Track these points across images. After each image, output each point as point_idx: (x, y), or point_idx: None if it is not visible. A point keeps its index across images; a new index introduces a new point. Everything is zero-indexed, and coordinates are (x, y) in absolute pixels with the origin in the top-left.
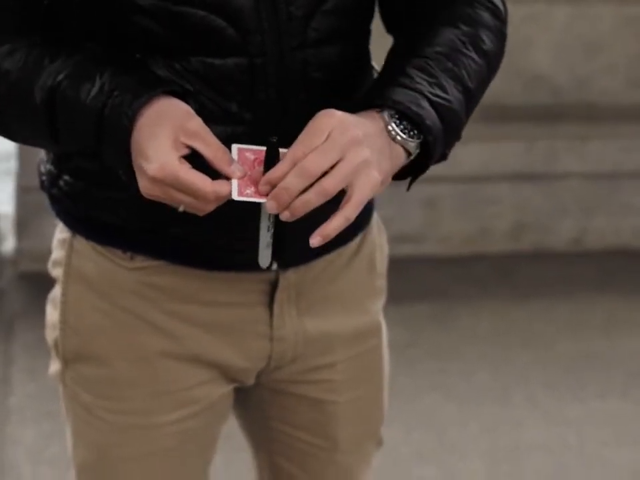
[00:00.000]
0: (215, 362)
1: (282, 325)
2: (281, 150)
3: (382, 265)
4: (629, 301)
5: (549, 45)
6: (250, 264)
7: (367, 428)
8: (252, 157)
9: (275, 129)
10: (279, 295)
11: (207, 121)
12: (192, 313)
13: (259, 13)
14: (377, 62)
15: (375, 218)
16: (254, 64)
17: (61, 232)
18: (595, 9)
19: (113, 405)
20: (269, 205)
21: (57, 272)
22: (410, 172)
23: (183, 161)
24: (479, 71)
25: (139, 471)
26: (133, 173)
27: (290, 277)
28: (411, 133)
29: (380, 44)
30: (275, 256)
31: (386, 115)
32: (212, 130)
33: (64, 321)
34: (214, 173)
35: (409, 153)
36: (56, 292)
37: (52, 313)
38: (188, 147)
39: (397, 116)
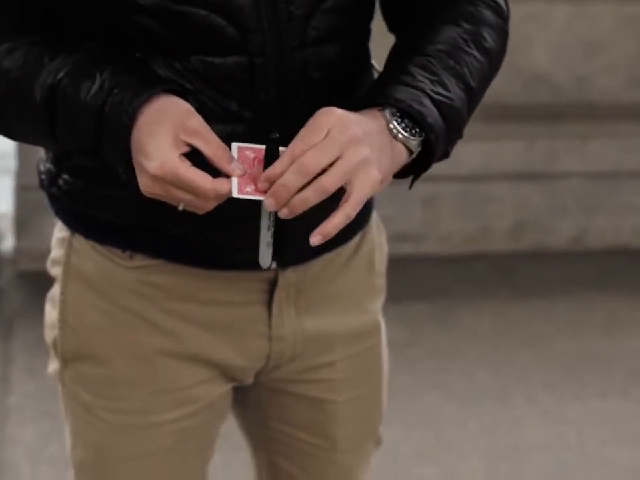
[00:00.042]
0: (213, 361)
1: (281, 324)
2: (281, 148)
3: (381, 264)
4: (629, 301)
5: (549, 44)
6: (249, 263)
7: (366, 427)
8: (252, 155)
9: (275, 127)
10: (277, 294)
11: (207, 119)
12: (191, 311)
13: (259, 12)
14: (378, 61)
15: (375, 217)
16: (254, 63)
17: (60, 231)
18: (595, 8)
19: (111, 404)
20: (268, 202)
21: (56, 271)
22: (412, 170)
23: (184, 158)
24: (480, 68)
25: (137, 470)
26: (133, 171)
27: (289, 276)
28: (413, 131)
29: (381, 43)
30: (275, 255)
31: (387, 113)
32: (212, 129)
33: (63, 320)
34: (214, 171)
35: (410, 151)
36: (55, 291)
37: (51, 312)
38: (188, 144)
39: (398, 114)
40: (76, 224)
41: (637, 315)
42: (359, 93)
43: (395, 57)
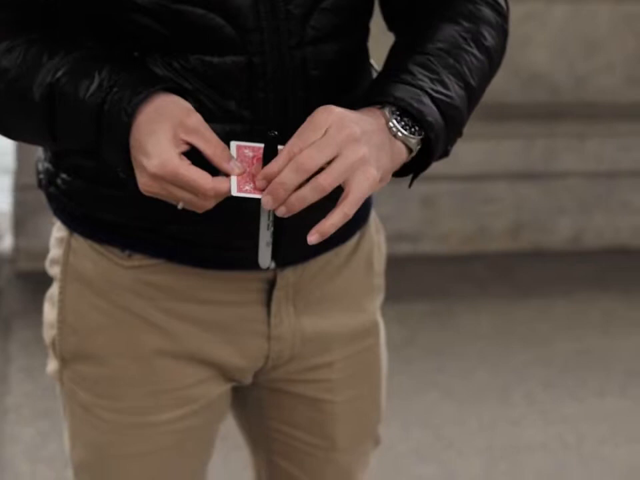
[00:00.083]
0: (212, 360)
1: (279, 323)
2: (280, 147)
3: (380, 263)
4: (628, 300)
5: (547, 43)
6: (248, 262)
7: (365, 427)
8: (250, 154)
9: (274, 126)
10: (276, 294)
11: (206, 118)
12: (190, 311)
13: (258, 12)
14: (377, 60)
15: (373, 216)
16: (252, 62)
17: (58, 230)
18: (593, 7)
19: (110, 403)
20: (265, 200)
21: (54, 270)
22: (411, 169)
23: (183, 157)
24: (480, 67)
25: (136, 469)
26: (132, 169)
27: (288, 276)
28: (412, 130)
29: (380, 42)
30: (273, 255)
31: (387, 111)
32: (211, 128)
33: (61, 319)
34: (213, 170)
35: (410, 150)
36: (53, 290)
37: (49, 312)
38: (187, 143)
39: (398, 112)
40: (74, 223)
41: (635, 314)
42: (357, 92)
43: (394, 55)
